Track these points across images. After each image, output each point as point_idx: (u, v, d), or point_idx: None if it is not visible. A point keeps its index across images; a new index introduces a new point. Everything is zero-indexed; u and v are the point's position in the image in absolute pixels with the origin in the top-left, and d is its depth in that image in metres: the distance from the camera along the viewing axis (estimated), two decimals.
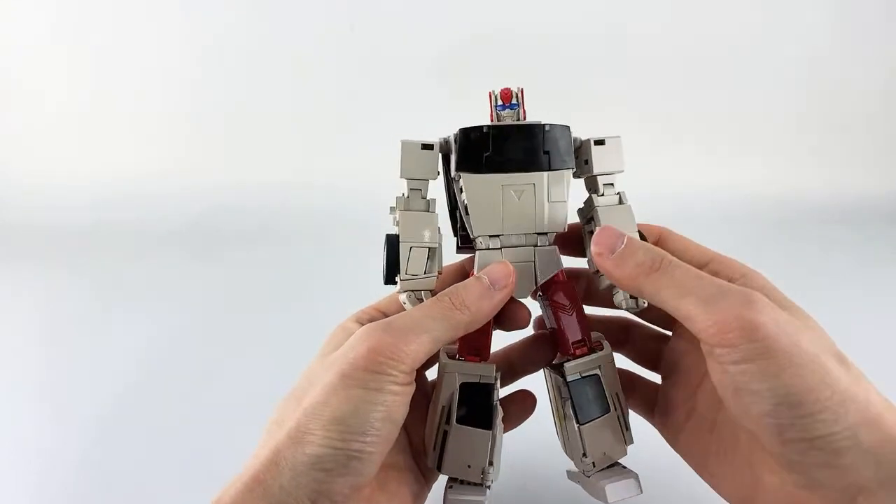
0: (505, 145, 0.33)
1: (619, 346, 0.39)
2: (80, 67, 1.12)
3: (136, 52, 1.10)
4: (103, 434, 0.50)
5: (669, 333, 0.38)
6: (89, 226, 0.98)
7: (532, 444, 0.42)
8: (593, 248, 0.31)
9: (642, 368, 0.40)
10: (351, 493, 0.28)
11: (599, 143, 0.36)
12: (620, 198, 0.36)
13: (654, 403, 0.37)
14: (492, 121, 0.35)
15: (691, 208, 1.05)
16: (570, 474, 0.38)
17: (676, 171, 1.11)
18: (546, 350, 0.38)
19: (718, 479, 0.32)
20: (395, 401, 0.28)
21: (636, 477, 0.34)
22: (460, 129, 0.34)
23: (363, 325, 0.37)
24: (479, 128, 0.34)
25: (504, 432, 0.39)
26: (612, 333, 0.39)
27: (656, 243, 0.35)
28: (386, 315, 0.38)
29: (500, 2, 1.13)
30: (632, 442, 0.35)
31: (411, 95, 1.09)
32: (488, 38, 1.13)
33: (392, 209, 0.36)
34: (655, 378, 0.39)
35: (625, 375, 0.38)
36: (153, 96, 1.13)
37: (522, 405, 0.39)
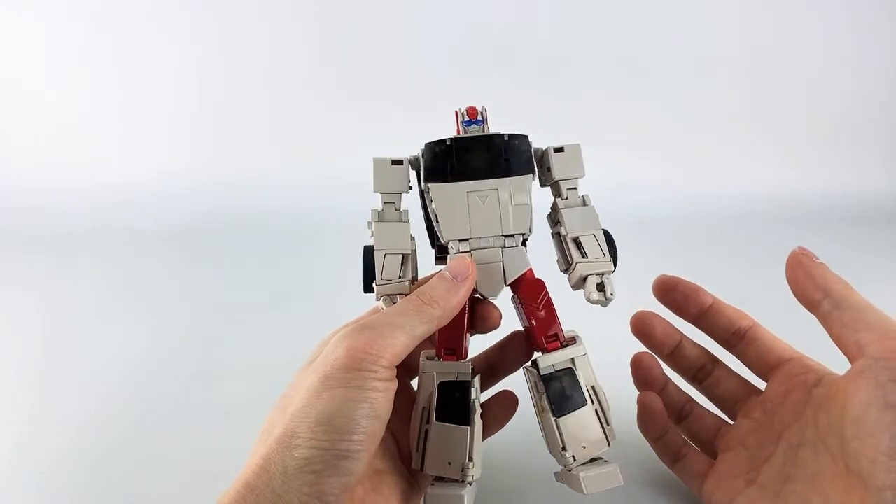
0: (467, 155, 0.36)
1: (677, 423, 0.42)
2: (79, 69, 1.12)
3: (135, 53, 1.10)
4: (102, 434, 0.49)
5: (730, 421, 0.40)
6: (88, 227, 0.98)
7: (520, 446, 0.43)
8: (799, 250, 0.35)
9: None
10: (341, 492, 0.28)
11: (559, 150, 0.38)
12: (584, 200, 0.38)
13: (704, 476, 0.38)
14: (458, 134, 0.38)
15: (695, 209, 1.06)
16: (557, 475, 0.38)
17: (679, 173, 1.12)
18: (522, 349, 0.39)
19: None
20: (379, 397, 0.29)
21: (616, 467, 0.34)
22: (426, 144, 0.37)
23: None
24: (443, 141, 0.36)
25: (491, 434, 0.40)
26: (672, 411, 0.42)
27: (745, 332, 0.40)
28: None
29: (499, 3, 1.14)
30: (614, 438, 0.36)
31: (411, 97, 1.09)
32: (486, 39, 1.13)
33: (369, 223, 0.38)
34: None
35: (677, 446, 0.41)
36: (152, 97, 1.12)
37: (505, 405, 0.40)
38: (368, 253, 0.36)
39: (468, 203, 0.36)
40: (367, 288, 0.36)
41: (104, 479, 0.44)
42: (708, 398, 0.42)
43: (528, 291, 0.36)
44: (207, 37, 1.11)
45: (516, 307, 0.38)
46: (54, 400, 0.55)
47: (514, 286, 0.37)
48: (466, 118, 0.38)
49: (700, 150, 1.21)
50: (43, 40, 1.10)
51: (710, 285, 0.42)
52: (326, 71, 1.14)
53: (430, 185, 0.36)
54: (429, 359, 0.36)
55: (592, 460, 0.35)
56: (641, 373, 0.43)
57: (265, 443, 0.29)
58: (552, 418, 0.35)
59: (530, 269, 0.37)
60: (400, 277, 0.36)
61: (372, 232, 0.37)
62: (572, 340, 0.37)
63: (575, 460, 0.35)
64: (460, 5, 1.14)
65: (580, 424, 0.35)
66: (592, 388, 0.36)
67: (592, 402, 0.36)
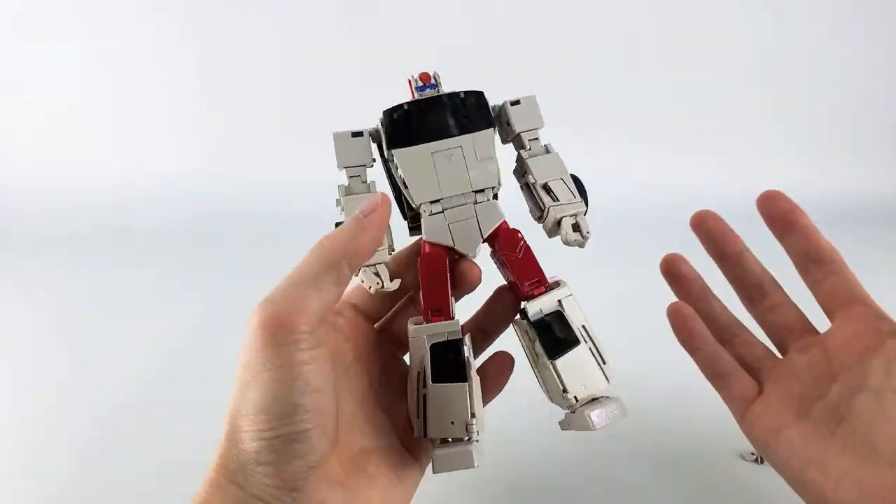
0: (427, 117, 0.36)
1: (722, 344, 0.40)
2: (78, 71, 1.12)
3: (136, 54, 1.10)
4: (103, 433, 0.50)
5: (779, 354, 0.39)
6: (89, 228, 0.98)
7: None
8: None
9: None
10: (307, 474, 0.27)
11: (515, 103, 0.38)
12: (547, 148, 0.38)
13: (750, 400, 0.37)
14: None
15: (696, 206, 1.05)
16: (562, 423, 0.37)
17: (680, 172, 1.12)
18: (510, 303, 0.38)
19: (838, 477, 0.31)
20: (309, 369, 0.27)
21: (619, 400, 0.34)
22: (384, 112, 0.37)
23: None
24: (401, 106, 0.36)
25: (491, 397, 0.39)
26: (717, 332, 0.40)
27: (829, 264, 0.37)
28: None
29: (496, 4, 1.15)
30: (613, 377, 0.35)
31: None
32: (486, 41, 1.14)
33: (338, 201, 0.38)
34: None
35: (723, 364, 0.39)
36: (151, 99, 1.12)
37: (501, 365, 0.38)
38: None
39: (434, 163, 0.36)
40: None
41: (105, 478, 0.45)
42: (760, 324, 0.40)
43: (505, 241, 0.36)
44: (209, 38, 1.11)
45: (496, 262, 0.38)
46: (55, 400, 0.55)
47: (491, 240, 0.36)
48: (420, 83, 0.38)
49: (716, 150, 1.20)
50: (43, 42, 1.09)
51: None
52: (327, 72, 1.13)
53: (393, 151, 0.36)
54: (416, 324, 0.35)
55: (593, 400, 0.34)
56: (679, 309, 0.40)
57: (221, 440, 0.29)
58: (548, 361, 0.34)
59: (505, 221, 0.37)
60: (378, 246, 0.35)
61: (342, 208, 0.37)
62: (556, 284, 0.36)
63: (577, 401, 0.34)
64: (460, 6, 1.15)
65: (577, 363, 0.34)
66: (584, 327, 0.35)
67: (585, 341, 0.35)
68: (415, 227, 0.40)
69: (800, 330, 0.38)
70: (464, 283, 0.37)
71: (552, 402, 0.37)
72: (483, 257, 0.37)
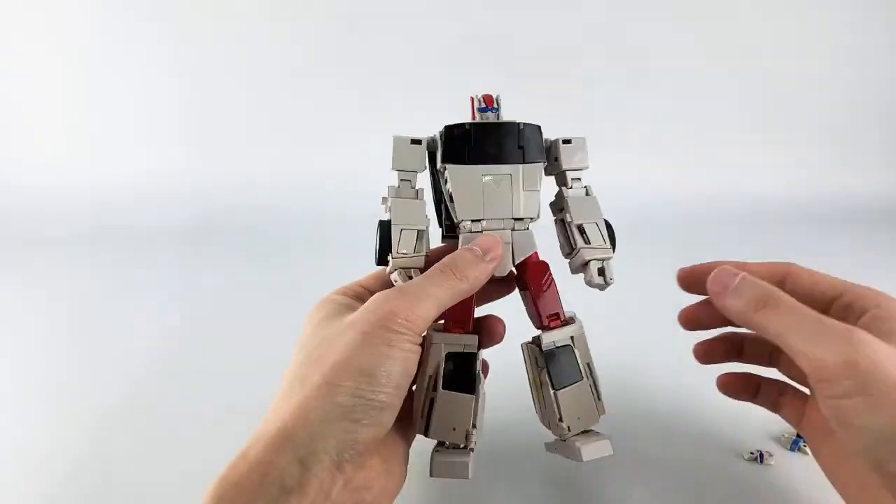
0: (485, 140, 0.38)
1: (774, 363, 0.41)
2: (79, 70, 1.12)
3: (135, 54, 1.11)
4: (105, 431, 0.50)
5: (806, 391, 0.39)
6: (89, 228, 0.99)
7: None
8: (710, 286, 0.34)
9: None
10: (371, 443, 0.30)
11: (567, 141, 0.40)
12: (587, 190, 0.41)
13: (802, 415, 0.38)
14: (473, 120, 0.40)
15: (707, 209, 1.07)
16: (548, 445, 0.40)
17: (681, 173, 1.14)
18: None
19: (853, 500, 0.33)
20: (410, 358, 0.32)
21: (608, 439, 0.37)
22: (445, 126, 0.38)
23: (350, 297, 0.39)
24: (462, 125, 0.38)
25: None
26: (763, 354, 0.41)
27: (784, 279, 0.36)
28: (368, 290, 0.40)
29: (501, 3, 1.16)
30: (604, 412, 0.38)
31: (409, 99, 1.08)
32: (492, 39, 1.16)
33: (384, 199, 0.40)
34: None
35: (774, 397, 0.41)
36: (152, 98, 1.13)
37: (492, 329, 0.41)
38: (385, 227, 0.38)
39: (483, 186, 0.38)
40: (381, 261, 0.38)
41: (103, 477, 0.44)
42: (788, 378, 0.41)
43: (534, 272, 0.39)
44: (209, 37, 1.11)
45: (520, 287, 0.40)
46: (54, 399, 0.55)
47: (520, 267, 0.39)
48: (482, 105, 0.40)
49: (711, 150, 1.20)
50: (43, 41, 1.09)
51: None
52: (327, 72, 1.15)
53: (447, 165, 0.38)
54: (435, 330, 0.38)
55: (585, 432, 0.37)
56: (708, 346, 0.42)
57: (299, 391, 0.30)
58: (551, 391, 0.37)
59: (535, 252, 0.39)
60: (415, 251, 0.37)
61: (388, 207, 0.39)
62: (571, 319, 0.39)
63: (570, 430, 0.37)
64: (463, 5, 1.16)
65: (576, 397, 0.37)
66: (588, 364, 0.38)
67: (587, 378, 0.38)
68: (449, 236, 0.42)
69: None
70: (487, 337, 0.39)
71: (542, 423, 0.40)
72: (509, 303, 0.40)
